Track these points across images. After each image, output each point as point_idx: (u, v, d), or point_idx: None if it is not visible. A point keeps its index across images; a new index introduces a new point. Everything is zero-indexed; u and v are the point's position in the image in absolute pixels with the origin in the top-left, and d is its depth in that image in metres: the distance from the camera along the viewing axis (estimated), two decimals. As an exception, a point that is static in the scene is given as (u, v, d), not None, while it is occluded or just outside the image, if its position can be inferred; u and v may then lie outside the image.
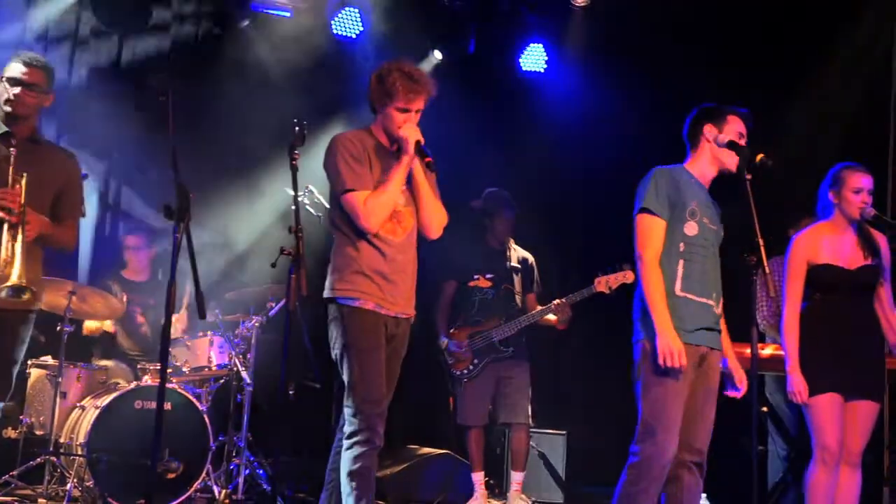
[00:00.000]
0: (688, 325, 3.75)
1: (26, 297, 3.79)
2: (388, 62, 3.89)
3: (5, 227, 3.79)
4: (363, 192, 3.78)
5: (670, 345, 3.62)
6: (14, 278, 3.72)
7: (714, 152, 3.94)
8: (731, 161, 3.90)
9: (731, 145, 3.88)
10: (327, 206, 5.90)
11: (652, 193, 3.81)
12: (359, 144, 3.85)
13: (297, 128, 3.46)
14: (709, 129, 3.95)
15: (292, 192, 3.67)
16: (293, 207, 3.57)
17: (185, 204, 3.18)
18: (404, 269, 3.88)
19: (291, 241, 3.49)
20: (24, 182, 3.84)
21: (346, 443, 3.74)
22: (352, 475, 3.70)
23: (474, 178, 6.46)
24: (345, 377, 3.78)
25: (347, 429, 3.75)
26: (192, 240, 3.17)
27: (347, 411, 3.76)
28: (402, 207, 3.89)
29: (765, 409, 5.31)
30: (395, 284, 3.83)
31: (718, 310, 3.88)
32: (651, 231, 3.79)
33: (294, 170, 3.61)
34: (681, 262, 3.80)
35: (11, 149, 3.86)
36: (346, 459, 3.72)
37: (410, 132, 3.81)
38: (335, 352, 3.84)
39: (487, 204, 6.00)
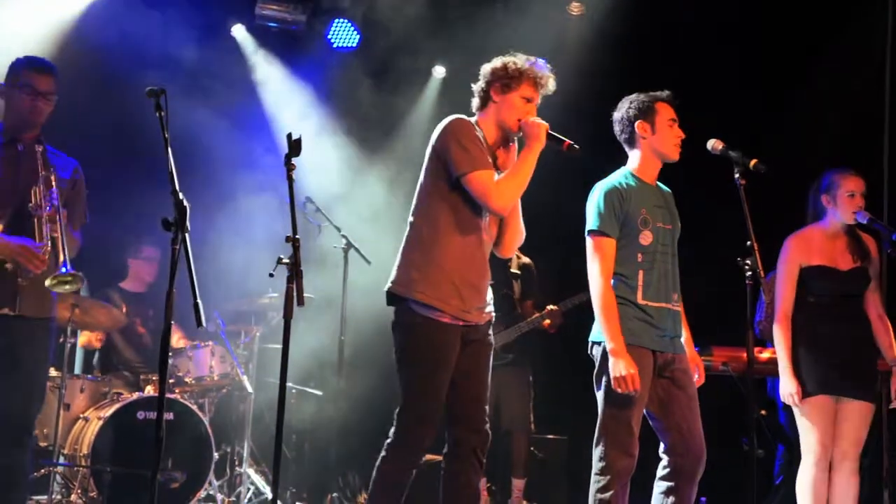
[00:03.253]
0: (652, 334, 3.72)
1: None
2: (511, 54, 3.66)
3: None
4: (491, 172, 3.54)
5: (623, 371, 3.57)
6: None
7: (652, 147, 3.82)
8: (671, 149, 3.80)
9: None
10: (325, 216, 5.95)
11: (599, 213, 3.74)
12: (476, 130, 3.60)
13: (292, 139, 3.47)
14: (641, 127, 3.82)
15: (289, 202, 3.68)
16: (290, 217, 3.58)
17: (183, 216, 3.20)
18: (487, 276, 3.64)
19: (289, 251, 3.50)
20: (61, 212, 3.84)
21: (385, 451, 3.53)
22: (384, 488, 3.52)
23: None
24: (401, 387, 3.57)
25: (391, 439, 3.53)
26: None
27: (396, 423, 3.53)
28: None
29: (763, 412, 5.33)
30: (479, 293, 3.58)
31: (678, 306, 3.84)
32: (602, 251, 3.72)
33: (290, 180, 3.62)
34: (640, 272, 3.73)
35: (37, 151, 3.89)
36: (381, 470, 3.53)
37: (540, 120, 3.57)
38: (396, 356, 3.59)
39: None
